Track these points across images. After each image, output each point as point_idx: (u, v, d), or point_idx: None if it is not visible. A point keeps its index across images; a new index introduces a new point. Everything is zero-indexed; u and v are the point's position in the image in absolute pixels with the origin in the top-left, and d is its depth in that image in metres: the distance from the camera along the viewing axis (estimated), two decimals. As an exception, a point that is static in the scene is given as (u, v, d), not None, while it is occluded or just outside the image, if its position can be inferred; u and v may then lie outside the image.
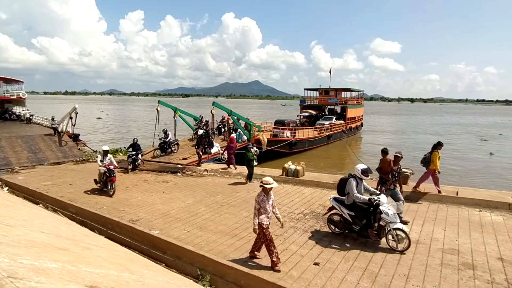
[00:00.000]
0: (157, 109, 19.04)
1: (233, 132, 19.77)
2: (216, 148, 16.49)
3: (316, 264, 5.51)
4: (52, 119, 20.22)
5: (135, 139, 14.25)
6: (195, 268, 5.50)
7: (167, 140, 16.66)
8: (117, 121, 54.27)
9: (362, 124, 39.72)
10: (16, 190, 11.32)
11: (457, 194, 8.98)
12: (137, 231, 6.83)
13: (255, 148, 12.34)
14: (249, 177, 11.54)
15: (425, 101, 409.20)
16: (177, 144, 17.35)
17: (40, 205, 9.36)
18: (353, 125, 35.17)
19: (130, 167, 13.58)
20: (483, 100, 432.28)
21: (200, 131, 18.52)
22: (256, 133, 19.92)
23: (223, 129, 21.11)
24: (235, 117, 19.33)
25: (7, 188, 11.58)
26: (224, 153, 15.18)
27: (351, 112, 34.93)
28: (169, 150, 16.58)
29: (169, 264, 5.90)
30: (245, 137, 19.57)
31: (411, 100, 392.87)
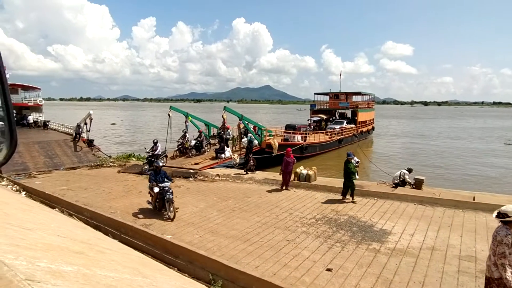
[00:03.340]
0: (169, 115, 19.24)
1: (244, 137, 19.80)
2: (227, 153, 16.49)
3: (328, 270, 5.44)
4: (78, 126, 20.58)
5: (158, 164, 9.25)
6: (207, 272, 5.51)
7: (155, 153, 14.81)
8: (132, 127, 55.16)
9: (373, 128, 39.27)
10: (33, 194, 11.61)
11: (474, 200, 8.75)
12: (150, 235, 6.89)
13: (356, 159, 10.13)
14: (350, 193, 9.46)
15: (439, 104, 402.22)
16: (166, 156, 16.04)
17: (56, 209, 9.56)
18: (364, 129, 34.78)
19: (169, 214, 8.47)
20: (500, 103, 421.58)
21: (193, 142, 18.12)
22: (267, 138, 19.92)
23: (224, 136, 21.02)
24: (246, 122, 19.39)
25: (24, 192, 11.89)
26: (236, 157, 15.15)
27: (362, 116, 34.59)
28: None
29: (181, 269, 5.93)
30: (256, 142, 19.59)
31: (425, 104, 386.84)
